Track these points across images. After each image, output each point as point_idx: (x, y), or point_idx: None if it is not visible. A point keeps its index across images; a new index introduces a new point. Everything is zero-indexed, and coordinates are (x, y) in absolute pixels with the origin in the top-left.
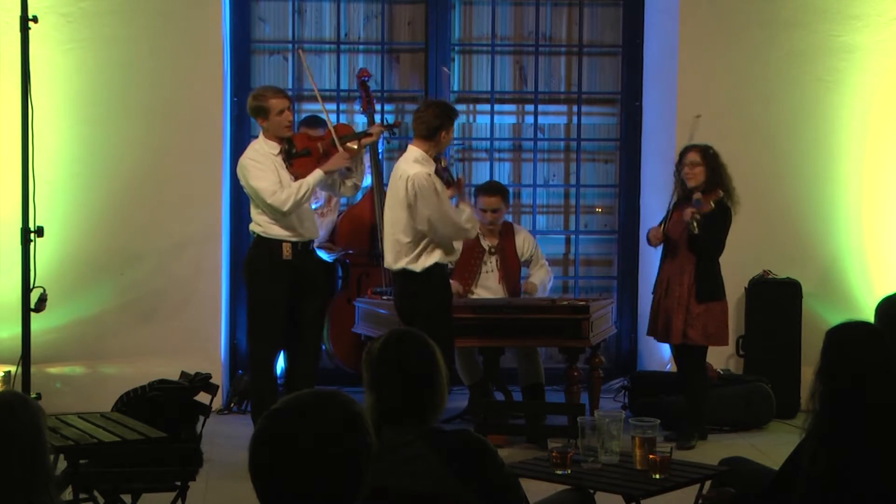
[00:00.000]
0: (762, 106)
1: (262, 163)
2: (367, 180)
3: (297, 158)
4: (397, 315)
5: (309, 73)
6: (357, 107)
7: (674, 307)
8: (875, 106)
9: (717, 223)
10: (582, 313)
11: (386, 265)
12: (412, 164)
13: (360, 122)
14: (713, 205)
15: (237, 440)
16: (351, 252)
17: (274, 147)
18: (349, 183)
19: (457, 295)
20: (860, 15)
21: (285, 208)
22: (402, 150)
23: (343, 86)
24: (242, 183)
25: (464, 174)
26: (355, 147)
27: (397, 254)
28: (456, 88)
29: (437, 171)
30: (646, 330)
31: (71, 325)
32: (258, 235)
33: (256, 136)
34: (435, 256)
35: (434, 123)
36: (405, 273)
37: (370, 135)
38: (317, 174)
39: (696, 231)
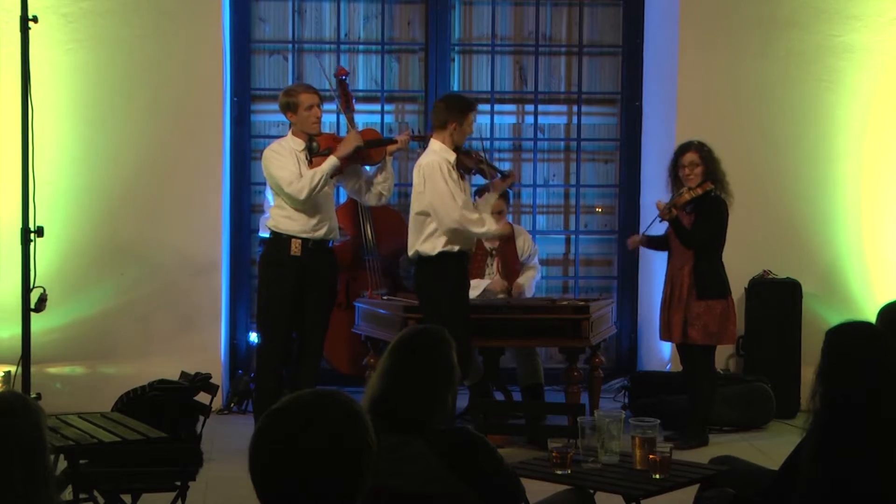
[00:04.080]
0: (762, 106)
1: (284, 155)
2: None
3: (318, 157)
4: (419, 303)
5: (331, 85)
6: (334, 106)
7: (675, 306)
8: (874, 106)
9: (712, 216)
10: (582, 313)
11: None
12: (428, 154)
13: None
14: (687, 196)
15: (237, 440)
16: (354, 238)
17: (299, 143)
18: (375, 189)
19: (502, 291)
20: (859, 15)
21: (302, 196)
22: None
23: (336, 86)
24: (265, 174)
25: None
26: (381, 152)
27: (411, 241)
28: (456, 88)
29: (458, 161)
30: (645, 330)
31: (71, 325)
32: (271, 231)
33: (256, 137)
34: (441, 244)
35: (442, 116)
36: (419, 258)
37: (395, 142)
38: (331, 160)
39: (672, 216)
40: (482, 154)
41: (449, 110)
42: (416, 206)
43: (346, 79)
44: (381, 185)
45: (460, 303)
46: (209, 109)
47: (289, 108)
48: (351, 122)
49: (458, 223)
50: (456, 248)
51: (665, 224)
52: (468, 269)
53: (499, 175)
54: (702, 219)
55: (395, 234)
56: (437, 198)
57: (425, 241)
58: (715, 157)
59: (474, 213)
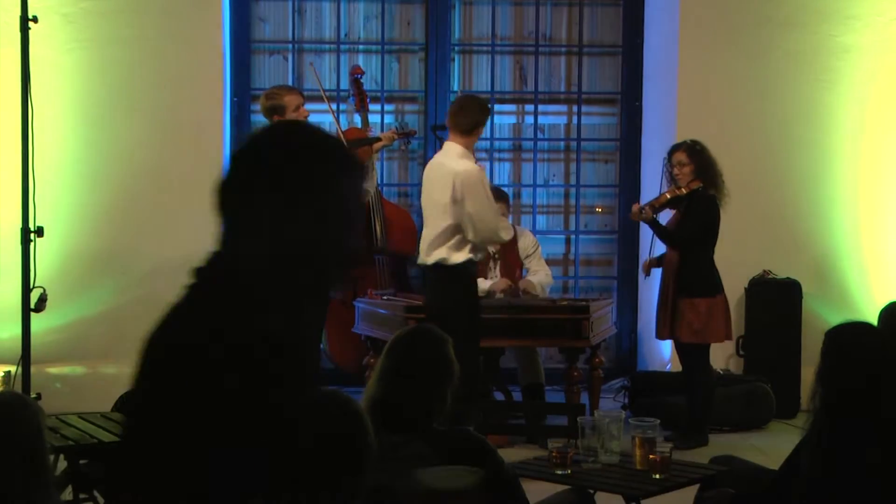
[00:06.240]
0: (761, 105)
1: None
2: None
3: None
4: (426, 311)
5: (319, 84)
6: (346, 106)
7: (663, 304)
8: (873, 106)
9: (696, 215)
10: (582, 313)
11: (420, 261)
12: (458, 161)
13: (358, 122)
14: (668, 197)
15: None
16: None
17: None
18: None
19: (506, 291)
20: (858, 15)
21: None
22: (403, 151)
23: (343, 86)
24: None
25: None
26: (367, 151)
27: (430, 247)
28: (456, 88)
29: None
30: (645, 330)
31: (71, 325)
32: None
33: None
34: (467, 252)
35: (477, 119)
36: (438, 267)
37: (381, 140)
38: None
39: (646, 217)
40: None
41: (483, 112)
42: (443, 214)
43: (360, 78)
44: (366, 182)
45: (479, 310)
46: (209, 109)
47: (275, 111)
48: (364, 120)
49: (495, 233)
50: (477, 256)
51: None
52: None
53: None
54: (686, 218)
55: (406, 234)
56: (481, 209)
57: (453, 250)
58: (707, 155)
59: (501, 220)
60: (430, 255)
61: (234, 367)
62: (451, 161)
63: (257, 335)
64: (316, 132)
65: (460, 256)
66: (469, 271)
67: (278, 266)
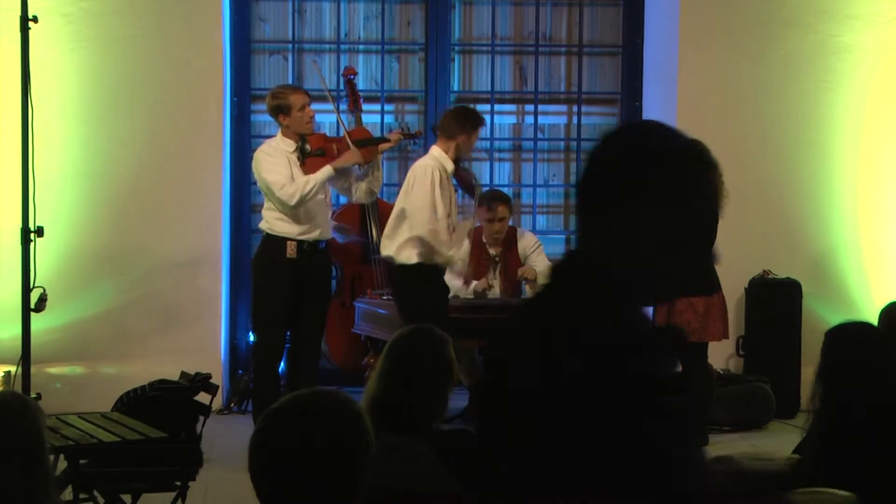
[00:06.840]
0: (762, 106)
1: (276, 157)
2: None
3: (310, 158)
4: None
5: (323, 83)
6: (343, 106)
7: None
8: (874, 105)
9: None
10: None
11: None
12: (425, 158)
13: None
14: None
15: (237, 440)
16: (362, 240)
17: (290, 145)
18: (364, 187)
19: (484, 290)
20: (859, 15)
21: (293, 202)
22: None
23: (343, 86)
24: (255, 176)
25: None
26: (373, 152)
27: (387, 241)
28: (456, 88)
29: (456, 174)
30: None
31: (71, 325)
32: (265, 233)
33: (256, 136)
34: (414, 256)
35: (453, 128)
36: (390, 264)
37: (388, 140)
38: (326, 170)
39: None
40: (475, 177)
41: (461, 124)
42: (399, 205)
43: (353, 78)
44: (371, 183)
45: (438, 312)
46: (209, 109)
47: (280, 110)
48: (359, 121)
49: (428, 235)
50: (431, 262)
51: None
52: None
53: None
54: None
55: None
56: (418, 202)
57: (402, 249)
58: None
59: (449, 235)
60: (385, 248)
61: (589, 365)
62: (421, 159)
63: (609, 335)
64: (670, 132)
65: (406, 257)
66: (420, 272)
67: (633, 267)
